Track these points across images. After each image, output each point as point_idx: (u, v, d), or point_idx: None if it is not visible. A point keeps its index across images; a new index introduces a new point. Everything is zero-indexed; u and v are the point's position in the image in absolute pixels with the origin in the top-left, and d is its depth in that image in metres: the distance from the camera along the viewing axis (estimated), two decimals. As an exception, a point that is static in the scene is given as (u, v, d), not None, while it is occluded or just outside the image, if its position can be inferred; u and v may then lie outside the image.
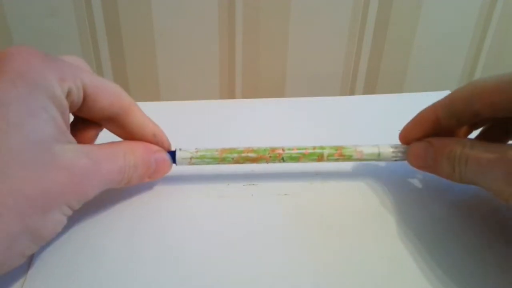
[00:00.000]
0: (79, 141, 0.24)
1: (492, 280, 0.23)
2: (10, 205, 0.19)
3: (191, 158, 0.27)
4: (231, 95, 0.52)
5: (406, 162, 0.28)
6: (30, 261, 0.23)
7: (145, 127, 0.26)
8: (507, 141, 0.27)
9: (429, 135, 0.27)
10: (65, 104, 0.22)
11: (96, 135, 0.26)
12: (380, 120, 0.37)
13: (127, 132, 0.26)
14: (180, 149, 0.28)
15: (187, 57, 0.49)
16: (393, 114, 0.38)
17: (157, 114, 0.37)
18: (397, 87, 0.54)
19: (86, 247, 0.24)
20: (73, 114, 0.24)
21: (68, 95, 0.22)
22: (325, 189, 0.29)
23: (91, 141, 0.26)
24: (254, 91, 0.52)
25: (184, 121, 0.36)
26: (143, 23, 0.46)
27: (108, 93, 0.24)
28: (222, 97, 0.52)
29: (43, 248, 0.24)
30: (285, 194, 0.28)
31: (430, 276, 0.23)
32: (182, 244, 0.24)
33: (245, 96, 0.52)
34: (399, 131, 0.29)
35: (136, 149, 0.25)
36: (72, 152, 0.21)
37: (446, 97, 0.26)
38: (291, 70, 0.51)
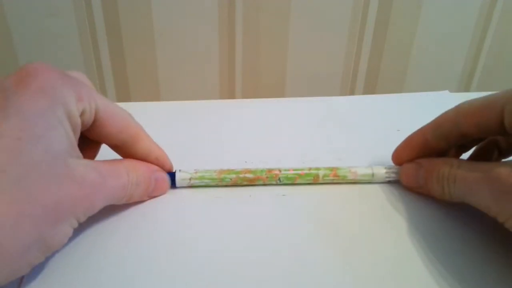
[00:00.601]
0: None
1: (492, 280, 0.23)
2: (27, 213, 0.19)
3: (190, 179, 0.28)
4: (231, 95, 0.52)
5: (399, 183, 0.29)
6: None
7: (149, 152, 0.27)
8: (500, 160, 0.28)
9: (420, 156, 0.28)
10: (79, 122, 0.23)
11: (97, 152, 0.27)
12: (380, 120, 0.37)
13: (132, 156, 0.26)
14: (179, 170, 0.28)
15: (187, 57, 0.49)
16: (393, 114, 0.38)
17: (157, 114, 0.37)
18: (397, 87, 0.54)
19: (83, 250, 0.24)
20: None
21: (82, 114, 0.23)
22: (323, 190, 0.29)
23: (92, 158, 0.27)
24: (254, 91, 0.52)
25: (184, 121, 0.36)
26: (143, 23, 0.46)
27: (118, 120, 0.25)
28: (222, 97, 0.52)
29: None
30: (283, 195, 0.28)
31: (428, 277, 0.23)
32: (180, 244, 0.24)
33: (245, 96, 0.52)
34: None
35: (139, 168, 0.26)
36: (83, 166, 0.22)
37: (433, 120, 0.27)
38: (291, 70, 0.51)
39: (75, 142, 0.22)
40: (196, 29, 0.47)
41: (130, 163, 0.26)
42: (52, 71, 0.22)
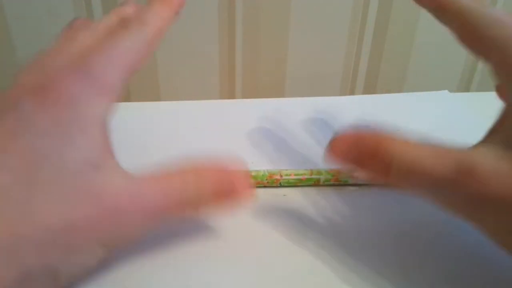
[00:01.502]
0: None
1: (492, 282, 0.23)
2: (28, 236, 0.17)
3: None
4: (231, 95, 0.52)
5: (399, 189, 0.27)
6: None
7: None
8: None
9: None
10: (105, 120, 0.21)
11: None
12: (380, 120, 0.37)
13: None
14: None
15: (187, 57, 0.49)
16: (393, 114, 0.38)
17: (157, 114, 0.37)
18: (397, 87, 0.54)
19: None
20: None
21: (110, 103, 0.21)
22: (324, 190, 0.29)
23: None
24: (254, 91, 0.52)
25: (184, 121, 0.36)
26: (143, 23, 0.46)
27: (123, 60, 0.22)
28: (222, 97, 0.52)
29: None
30: (284, 195, 0.28)
31: (428, 278, 0.23)
32: (180, 244, 0.24)
33: (245, 96, 0.52)
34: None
35: (200, 176, 0.22)
36: (109, 182, 0.19)
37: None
38: (291, 70, 0.51)
39: (101, 145, 0.20)
40: (196, 29, 0.47)
41: (187, 171, 0.22)
42: (68, 77, 0.20)
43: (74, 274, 0.19)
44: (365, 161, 0.21)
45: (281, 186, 0.29)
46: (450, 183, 0.19)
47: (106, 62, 0.21)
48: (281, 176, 0.29)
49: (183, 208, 0.21)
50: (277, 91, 0.52)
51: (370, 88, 0.54)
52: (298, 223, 0.26)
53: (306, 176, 0.29)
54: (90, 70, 0.21)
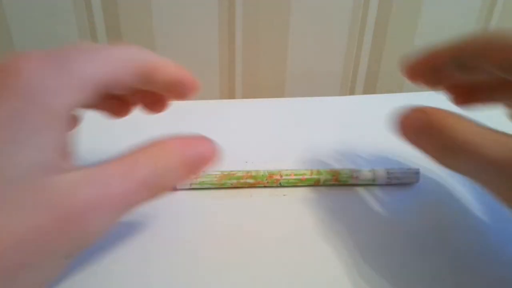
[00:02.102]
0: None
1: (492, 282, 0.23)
2: None
3: (191, 184, 0.28)
4: (231, 95, 0.52)
5: (399, 185, 0.29)
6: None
7: (170, 81, 0.22)
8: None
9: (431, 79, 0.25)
10: (66, 117, 0.18)
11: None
12: (380, 120, 0.37)
13: (160, 89, 0.23)
14: None
15: (187, 57, 0.49)
16: (393, 114, 0.38)
17: (157, 114, 0.37)
18: (397, 87, 0.54)
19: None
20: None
21: (75, 102, 0.18)
22: (324, 191, 0.29)
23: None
24: (254, 91, 0.52)
25: (184, 121, 0.36)
26: (143, 24, 0.46)
27: (124, 73, 0.20)
28: (222, 97, 0.52)
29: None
30: (284, 195, 0.28)
31: (430, 278, 0.23)
32: (179, 244, 0.24)
33: (245, 96, 0.52)
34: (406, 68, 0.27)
35: (164, 148, 0.19)
36: (67, 183, 0.17)
37: (456, 45, 0.24)
38: (291, 70, 0.51)
39: (56, 145, 0.17)
40: (196, 29, 0.47)
41: (154, 147, 0.19)
42: (37, 62, 0.17)
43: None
44: (430, 136, 0.21)
45: (281, 186, 0.29)
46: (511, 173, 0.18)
47: (86, 58, 0.19)
48: (281, 176, 0.29)
49: (152, 188, 0.18)
50: (277, 91, 0.52)
51: (370, 88, 0.54)
52: (298, 223, 0.26)
53: (306, 176, 0.29)
54: (65, 60, 0.18)
